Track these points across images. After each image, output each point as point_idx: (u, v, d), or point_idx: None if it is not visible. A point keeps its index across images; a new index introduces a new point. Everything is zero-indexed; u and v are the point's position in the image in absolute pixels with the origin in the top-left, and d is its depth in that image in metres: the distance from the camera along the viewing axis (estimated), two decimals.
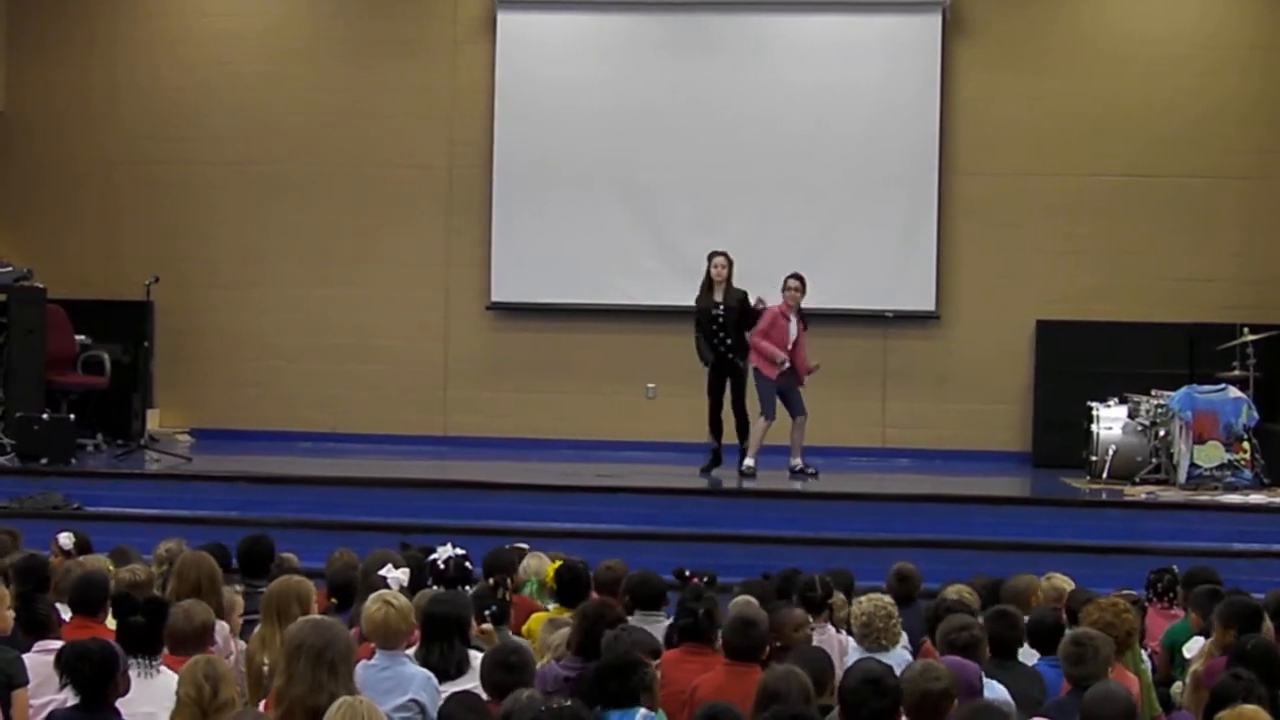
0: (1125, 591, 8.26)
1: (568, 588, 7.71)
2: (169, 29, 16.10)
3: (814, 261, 14.10)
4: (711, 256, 13.01)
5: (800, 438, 13.09)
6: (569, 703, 5.06)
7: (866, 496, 12.50)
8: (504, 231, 15.56)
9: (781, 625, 6.75)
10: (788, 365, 12.83)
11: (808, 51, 15.37)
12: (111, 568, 7.62)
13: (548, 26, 15.70)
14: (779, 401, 12.93)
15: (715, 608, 6.97)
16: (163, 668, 5.91)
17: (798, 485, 12.83)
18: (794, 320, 12.92)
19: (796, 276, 12.96)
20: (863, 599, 7.03)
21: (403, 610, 6.17)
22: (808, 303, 13.13)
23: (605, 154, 15.45)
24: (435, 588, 7.46)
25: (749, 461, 12.92)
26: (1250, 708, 5.06)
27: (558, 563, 7.98)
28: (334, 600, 7.63)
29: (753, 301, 12.95)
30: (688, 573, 8.20)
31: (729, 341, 12.91)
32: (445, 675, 6.11)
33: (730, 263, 12.93)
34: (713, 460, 13.20)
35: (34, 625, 6.44)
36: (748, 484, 12.71)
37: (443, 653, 6.18)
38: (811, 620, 7.19)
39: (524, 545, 8.90)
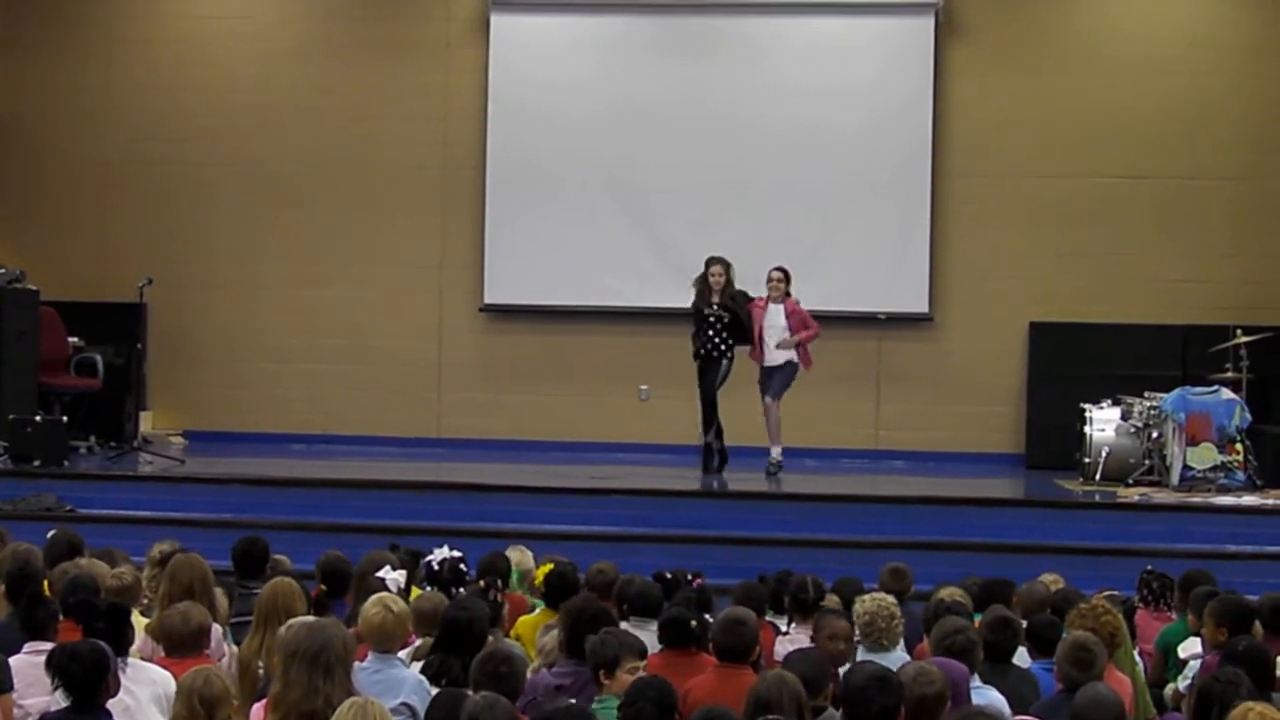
0: (1110, 592, 8.26)
1: (556, 593, 7.66)
2: (163, 30, 16.08)
3: (808, 263, 14.10)
4: (710, 264, 13.04)
5: (772, 425, 13.11)
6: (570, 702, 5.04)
7: (859, 498, 12.50)
8: (497, 233, 15.55)
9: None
10: (762, 355, 12.94)
11: (801, 54, 15.35)
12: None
13: (541, 28, 15.68)
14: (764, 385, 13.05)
15: (711, 607, 6.94)
16: (135, 661, 5.97)
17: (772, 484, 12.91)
18: (776, 309, 12.93)
19: (777, 268, 13.04)
20: (865, 598, 6.85)
21: (401, 616, 6.16)
22: (803, 303, 13.13)
23: (598, 156, 15.42)
24: (429, 589, 7.46)
25: (775, 454, 13.08)
26: (1261, 705, 5.04)
27: (548, 567, 7.96)
28: (324, 587, 7.63)
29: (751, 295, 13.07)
30: (683, 574, 8.14)
31: (716, 340, 12.95)
32: (453, 684, 5.98)
33: (727, 270, 12.99)
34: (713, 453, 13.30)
35: (34, 626, 6.43)
36: (743, 486, 12.70)
37: (464, 666, 5.93)
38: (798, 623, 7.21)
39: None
